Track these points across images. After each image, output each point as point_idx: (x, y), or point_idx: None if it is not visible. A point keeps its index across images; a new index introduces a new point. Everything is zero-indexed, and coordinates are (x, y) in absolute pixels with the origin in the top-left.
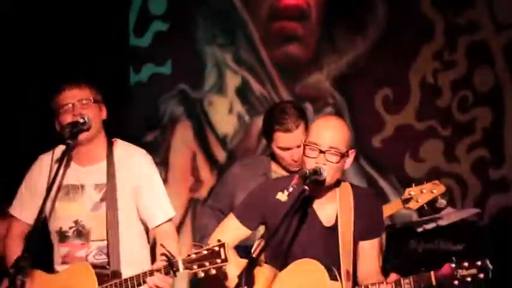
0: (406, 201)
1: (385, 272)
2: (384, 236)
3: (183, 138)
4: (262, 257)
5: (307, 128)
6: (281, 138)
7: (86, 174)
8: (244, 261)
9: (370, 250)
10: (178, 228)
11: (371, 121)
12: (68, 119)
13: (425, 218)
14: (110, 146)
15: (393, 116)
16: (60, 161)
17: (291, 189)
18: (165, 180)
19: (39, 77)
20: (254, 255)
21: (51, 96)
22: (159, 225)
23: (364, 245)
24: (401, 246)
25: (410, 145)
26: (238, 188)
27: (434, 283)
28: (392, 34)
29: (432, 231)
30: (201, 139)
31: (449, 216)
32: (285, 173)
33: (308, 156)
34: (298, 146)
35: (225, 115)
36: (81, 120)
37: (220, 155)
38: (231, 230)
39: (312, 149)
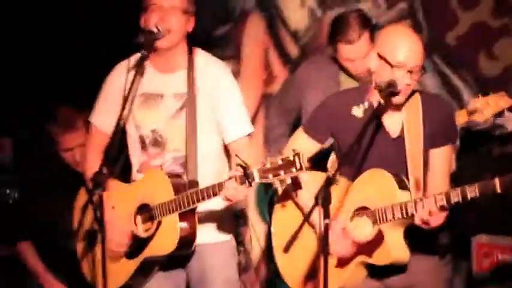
0: (472, 112)
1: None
2: (457, 143)
3: (254, 33)
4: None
5: (372, 38)
6: (344, 50)
7: (165, 82)
8: (317, 174)
9: (439, 158)
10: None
11: (445, 17)
12: (153, 19)
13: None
14: (190, 55)
15: (468, 13)
16: (136, 69)
17: (367, 104)
18: (237, 74)
19: None
20: (330, 175)
21: None
22: (235, 140)
23: (433, 153)
24: (476, 150)
25: (485, 43)
26: (307, 87)
27: (499, 191)
28: None
29: (506, 135)
30: (273, 33)
31: None
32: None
33: (394, 75)
34: (362, 57)
35: (297, 9)
36: (155, 30)
37: (293, 50)
38: (300, 144)
39: (399, 68)
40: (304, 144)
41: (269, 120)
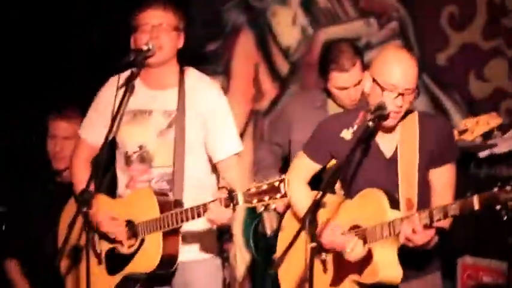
0: (462, 132)
1: None
2: None
3: (245, 49)
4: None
5: (363, 65)
6: (337, 78)
7: (154, 99)
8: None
9: (440, 178)
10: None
11: (436, 38)
12: (143, 39)
13: (486, 143)
14: (181, 73)
15: (459, 34)
16: (126, 86)
17: (355, 127)
18: (226, 90)
19: None
20: (318, 197)
21: (132, 12)
22: (223, 159)
23: (434, 172)
24: (462, 171)
25: (475, 64)
26: (295, 121)
27: (477, 207)
28: None
29: (494, 156)
30: (264, 50)
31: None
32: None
33: (386, 96)
34: (355, 85)
35: (288, 26)
36: (145, 48)
37: (283, 67)
38: (303, 168)
39: (390, 90)
40: (306, 166)
41: (258, 153)
